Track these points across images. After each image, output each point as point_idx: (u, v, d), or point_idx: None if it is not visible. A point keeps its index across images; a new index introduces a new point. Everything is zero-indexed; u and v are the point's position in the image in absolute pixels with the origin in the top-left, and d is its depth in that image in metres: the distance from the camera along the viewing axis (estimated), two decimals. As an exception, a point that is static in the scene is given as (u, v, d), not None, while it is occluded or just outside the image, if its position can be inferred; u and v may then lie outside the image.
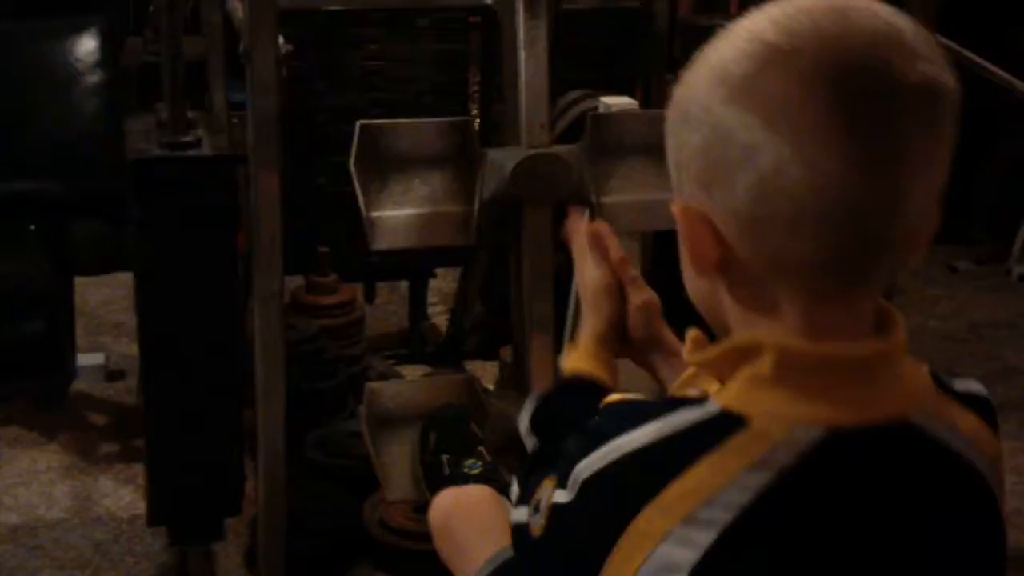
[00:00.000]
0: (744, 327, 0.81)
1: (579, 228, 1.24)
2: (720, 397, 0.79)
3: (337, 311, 2.57)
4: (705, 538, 0.75)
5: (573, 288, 2.32)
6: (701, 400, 0.80)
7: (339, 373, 2.46)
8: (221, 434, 2.06)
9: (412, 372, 2.82)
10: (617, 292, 1.17)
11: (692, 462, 0.77)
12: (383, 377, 2.55)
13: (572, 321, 2.36)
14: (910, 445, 0.79)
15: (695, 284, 0.84)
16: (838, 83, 0.73)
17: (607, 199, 1.80)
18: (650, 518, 0.77)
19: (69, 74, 2.51)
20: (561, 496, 0.84)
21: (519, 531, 0.92)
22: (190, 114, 2.02)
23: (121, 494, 2.58)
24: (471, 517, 1.27)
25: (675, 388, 0.97)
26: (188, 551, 2.27)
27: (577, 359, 1.13)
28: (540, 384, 1.76)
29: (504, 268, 1.85)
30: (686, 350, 0.86)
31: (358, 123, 1.71)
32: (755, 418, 0.77)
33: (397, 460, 1.81)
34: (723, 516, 0.75)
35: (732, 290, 0.81)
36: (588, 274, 1.19)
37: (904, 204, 0.75)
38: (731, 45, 0.76)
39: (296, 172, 2.20)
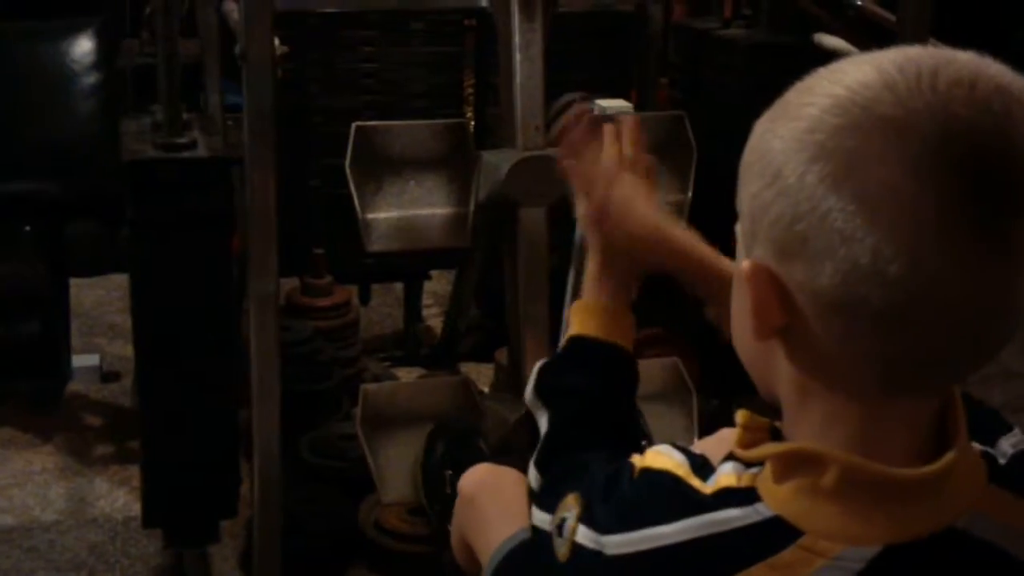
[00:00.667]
0: (797, 395, 0.75)
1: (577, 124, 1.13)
2: (773, 502, 0.73)
3: (332, 313, 2.57)
4: None
5: (569, 284, 2.32)
6: (749, 495, 0.74)
7: (334, 375, 2.46)
8: (216, 436, 2.06)
9: (407, 374, 2.82)
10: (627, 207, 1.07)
11: (739, 569, 0.72)
12: (378, 379, 2.55)
13: (572, 291, 2.35)
14: (958, 554, 0.74)
15: (749, 344, 0.77)
16: (960, 177, 0.64)
17: (602, 201, 1.81)
18: None
19: (65, 75, 2.51)
20: (586, 537, 0.81)
21: (542, 536, 0.90)
22: (185, 116, 2.02)
23: (116, 496, 2.58)
24: (499, 496, 1.26)
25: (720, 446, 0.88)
26: (184, 553, 2.27)
27: (585, 316, 1.06)
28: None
29: (499, 270, 1.86)
30: (736, 438, 0.78)
31: (354, 125, 1.72)
32: (810, 532, 0.72)
33: (392, 462, 1.82)
34: None
35: (793, 355, 0.74)
36: (592, 192, 1.09)
37: (1010, 311, 0.69)
38: (837, 109, 0.67)
39: (291, 174, 2.20)
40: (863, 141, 0.65)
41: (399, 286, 3.17)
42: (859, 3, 2.10)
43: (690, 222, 1.79)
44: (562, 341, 1.09)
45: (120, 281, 3.38)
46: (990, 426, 0.82)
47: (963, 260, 0.65)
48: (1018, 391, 3.29)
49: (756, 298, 0.72)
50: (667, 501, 0.77)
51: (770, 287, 0.71)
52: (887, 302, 0.66)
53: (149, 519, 2.13)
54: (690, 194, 1.81)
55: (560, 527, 0.85)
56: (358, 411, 1.83)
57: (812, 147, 0.67)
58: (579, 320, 1.07)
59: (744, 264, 0.73)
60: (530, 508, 0.95)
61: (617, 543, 0.78)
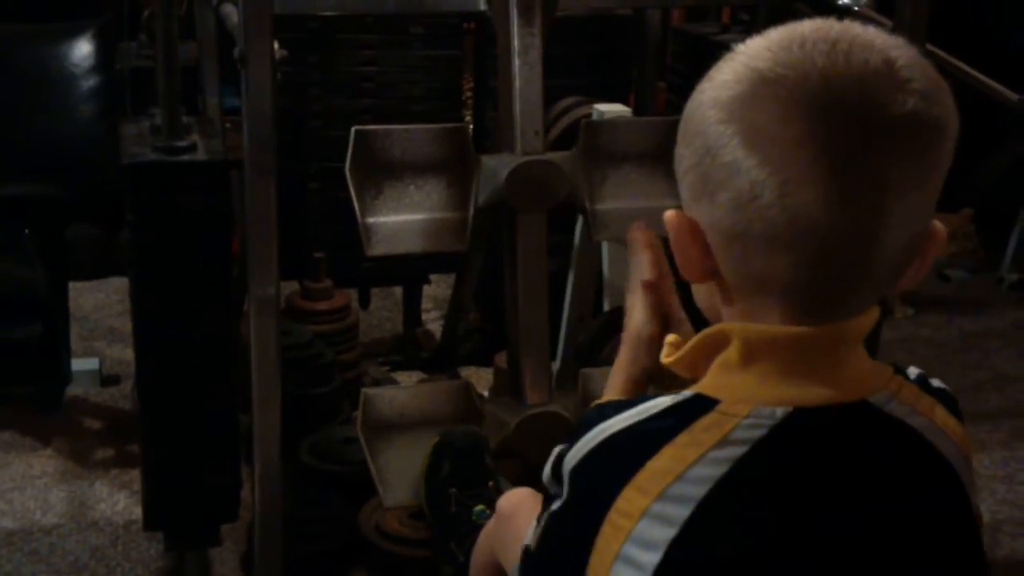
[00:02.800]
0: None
1: (645, 258, 1.08)
2: (694, 386, 0.84)
3: (331, 317, 2.57)
4: (680, 513, 0.79)
5: (569, 289, 2.32)
6: (679, 392, 0.84)
7: (334, 379, 2.47)
8: (217, 439, 2.06)
9: (407, 378, 2.82)
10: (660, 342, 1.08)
11: (666, 441, 0.81)
12: (378, 383, 2.55)
13: (570, 321, 2.37)
14: (870, 423, 0.83)
15: (695, 289, 0.89)
16: (817, 114, 0.75)
17: (600, 205, 1.81)
18: (629, 498, 0.81)
19: (64, 78, 2.51)
20: (555, 504, 0.88)
21: (524, 554, 0.94)
22: (184, 119, 2.02)
23: (117, 499, 2.58)
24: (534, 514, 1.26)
25: None
26: (184, 556, 2.27)
27: None
28: (533, 388, 1.77)
29: (498, 274, 1.86)
30: (664, 354, 0.91)
31: (353, 128, 1.72)
32: (725, 400, 0.81)
33: (393, 466, 1.82)
34: (696, 491, 0.79)
35: (723, 298, 0.85)
36: (639, 318, 1.08)
37: (883, 235, 0.77)
38: (730, 68, 0.79)
39: (290, 177, 2.20)
40: (746, 90, 0.78)
41: (398, 290, 3.17)
42: (856, 8, 2.11)
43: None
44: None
45: (120, 284, 3.39)
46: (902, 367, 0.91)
47: (826, 190, 0.75)
48: (1015, 396, 3.29)
49: (676, 243, 0.84)
50: (609, 408, 0.86)
51: (688, 232, 0.82)
52: (769, 228, 0.77)
53: (150, 522, 2.13)
54: (689, 198, 1.81)
55: (538, 520, 0.92)
56: (359, 415, 1.83)
57: (710, 100, 0.79)
58: None
59: (666, 215, 0.84)
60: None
61: (572, 455, 0.86)
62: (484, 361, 2.76)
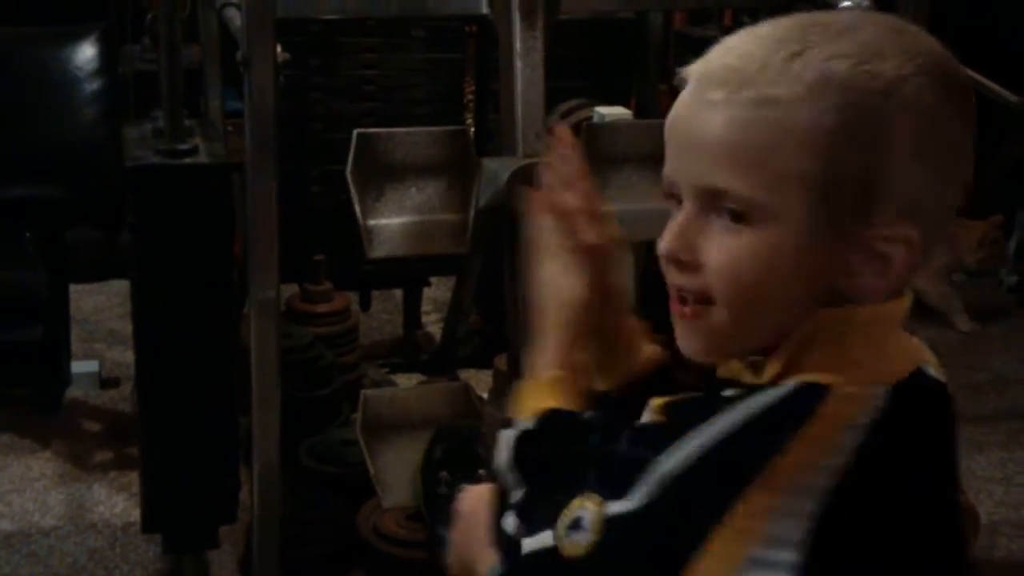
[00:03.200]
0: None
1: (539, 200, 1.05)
2: (789, 379, 0.81)
3: (332, 319, 2.57)
4: (811, 507, 0.77)
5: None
6: (761, 386, 0.81)
7: (334, 381, 2.47)
8: (216, 441, 2.06)
9: (407, 380, 2.82)
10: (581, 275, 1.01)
11: (790, 436, 0.77)
12: (378, 385, 2.55)
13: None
14: (929, 389, 0.85)
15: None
16: None
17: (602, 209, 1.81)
18: (752, 500, 0.77)
19: (67, 81, 2.52)
20: (620, 506, 0.81)
21: (536, 560, 0.87)
22: (187, 122, 2.03)
23: (115, 501, 2.58)
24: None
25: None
26: (183, 558, 2.27)
27: (556, 389, 0.98)
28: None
29: (498, 276, 1.86)
30: (747, 376, 0.85)
31: (355, 131, 1.72)
32: (833, 385, 0.79)
33: (392, 468, 1.82)
34: (827, 482, 0.77)
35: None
36: (570, 284, 1.02)
37: None
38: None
39: (292, 180, 2.21)
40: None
41: (399, 292, 3.17)
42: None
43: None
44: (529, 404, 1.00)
45: (120, 287, 3.39)
46: None
47: None
48: (1013, 398, 3.29)
49: None
50: (698, 411, 0.81)
51: None
52: None
53: (148, 524, 2.14)
54: (690, 201, 1.81)
55: (575, 524, 0.84)
56: (358, 417, 1.83)
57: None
58: (555, 394, 1.00)
59: None
60: (508, 551, 0.91)
61: (674, 463, 0.79)
62: (484, 363, 2.76)
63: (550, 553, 0.85)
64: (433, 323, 3.23)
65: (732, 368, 0.86)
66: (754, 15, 2.49)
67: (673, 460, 0.80)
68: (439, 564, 1.47)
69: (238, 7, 1.67)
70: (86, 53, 2.51)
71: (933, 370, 0.86)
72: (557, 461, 0.94)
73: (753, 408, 0.79)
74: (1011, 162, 3.80)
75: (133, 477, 2.49)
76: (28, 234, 2.59)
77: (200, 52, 2.32)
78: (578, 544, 0.83)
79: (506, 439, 0.97)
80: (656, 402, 0.86)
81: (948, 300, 3.61)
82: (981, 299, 3.78)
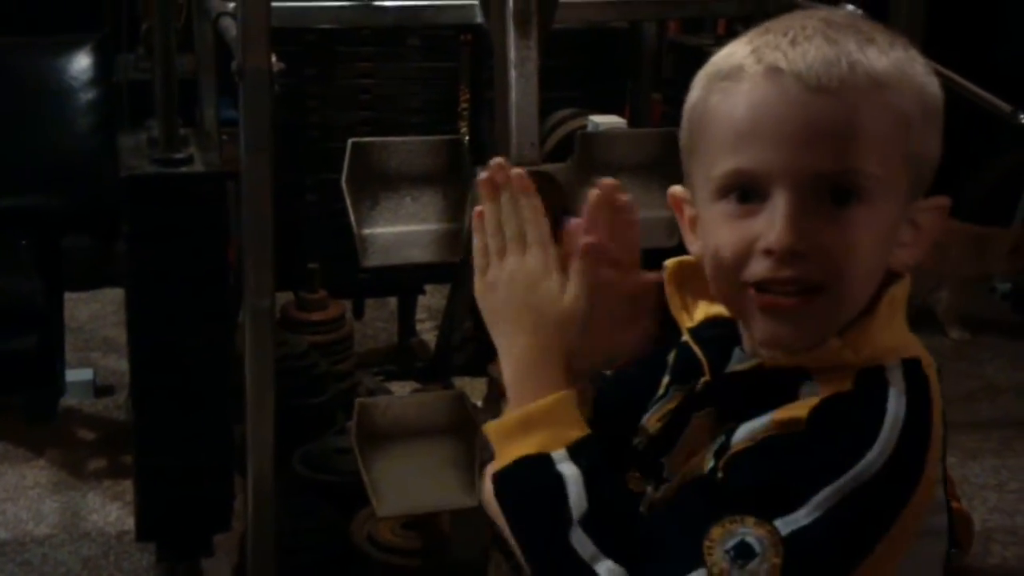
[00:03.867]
0: None
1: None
2: (885, 357, 0.85)
3: (326, 327, 2.57)
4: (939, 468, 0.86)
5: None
6: (868, 368, 0.85)
7: (328, 389, 2.47)
8: (210, 449, 2.06)
9: (401, 388, 2.82)
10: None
11: (928, 431, 0.84)
12: (372, 393, 2.55)
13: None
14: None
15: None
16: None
17: (596, 217, 1.82)
18: (929, 475, 0.83)
19: (62, 91, 2.52)
20: (792, 523, 0.77)
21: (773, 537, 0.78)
22: (182, 131, 2.03)
23: (109, 510, 2.58)
24: None
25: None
26: (177, 567, 2.27)
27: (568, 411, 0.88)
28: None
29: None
30: (847, 355, 0.86)
31: (350, 141, 1.73)
32: (921, 356, 0.87)
33: (387, 476, 1.82)
34: (937, 443, 0.85)
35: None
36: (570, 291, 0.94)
37: None
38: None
39: (287, 189, 2.21)
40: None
41: (393, 300, 3.17)
42: (851, 21, 2.12)
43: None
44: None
45: (114, 295, 3.39)
46: None
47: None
48: (1006, 406, 3.30)
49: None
50: (844, 416, 0.83)
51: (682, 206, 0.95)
52: None
53: (143, 533, 2.13)
54: (683, 210, 1.82)
55: (742, 553, 0.77)
56: (353, 425, 1.83)
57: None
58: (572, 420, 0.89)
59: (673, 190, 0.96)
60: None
61: (843, 475, 0.79)
62: (479, 371, 2.76)
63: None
64: (428, 331, 3.23)
65: (825, 352, 0.85)
66: (747, 23, 2.50)
67: (841, 470, 0.78)
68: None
69: (233, 17, 1.67)
70: (81, 63, 2.51)
71: None
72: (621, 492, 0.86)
73: (899, 391, 0.83)
74: (1004, 172, 3.82)
75: (127, 485, 2.49)
76: (23, 242, 2.59)
77: (195, 62, 2.32)
78: (758, 571, 0.76)
79: (574, 479, 0.84)
80: (782, 415, 0.82)
81: (953, 309, 3.62)
82: (973, 307, 3.79)
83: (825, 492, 0.78)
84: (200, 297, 1.96)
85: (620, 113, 2.45)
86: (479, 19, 1.84)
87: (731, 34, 2.54)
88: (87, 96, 2.50)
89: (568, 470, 0.85)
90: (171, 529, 2.12)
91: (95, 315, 3.48)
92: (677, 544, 0.79)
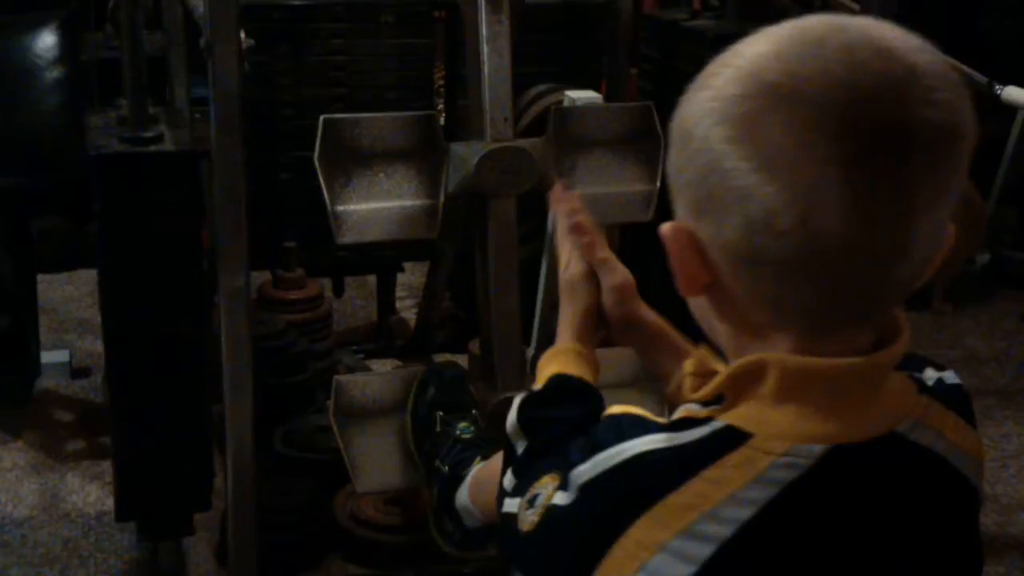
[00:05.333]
0: (735, 348, 0.81)
1: (562, 210, 1.17)
2: (725, 416, 0.79)
3: (304, 306, 2.56)
4: (703, 552, 0.75)
5: (542, 275, 2.34)
6: (706, 420, 0.79)
7: (308, 368, 2.46)
8: (189, 429, 2.05)
9: (381, 366, 2.82)
10: (594, 280, 1.12)
11: (693, 474, 0.76)
12: (352, 371, 2.55)
13: (543, 308, 2.38)
14: (900, 456, 0.80)
15: (692, 302, 0.84)
16: (844, 134, 0.70)
17: (571, 191, 1.82)
18: (646, 528, 0.76)
19: (29, 70, 2.49)
20: (561, 498, 0.84)
21: (507, 521, 0.91)
22: (152, 109, 2.01)
23: (89, 491, 2.57)
24: None
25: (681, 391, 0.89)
26: (158, 546, 2.26)
27: (564, 362, 1.07)
28: (506, 374, 1.77)
29: (471, 261, 1.86)
30: (687, 387, 0.84)
31: (322, 117, 1.72)
32: (759, 435, 0.76)
33: (366, 452, 1.82)
34: (723, 531, 0.75)
35: (721, 312, 0.81)
36: (568, 264, 1.13)
37: (910, 251, 0.73)
38: (735, 78, 0.73)
39: (260, 167, 2.19)
40: (755, 106, 0.72)
41: (372, 278, 3.16)
42: (825, -7, 2.12)
43: (658, 211, 1.82)
44: (539, 375, 1.09)
45: (89, 276, 3.37)
46: (917, 363, 0.88)
47: (850, 213, 0.71)
48: (986, 375, 3.33)
49: (676, 256, 0.79)
50: (630, 429, 0.81)
51: (688, 245, 0.78)
52: (783, 253, 0.73)
53: (122, 513, 2.13)
54: (659, 184, 1.82)
55: (532, 500, 0.87)
56: (331, 402, 1.83)
57: (715, 113, 0.74)
58: (561, 361, 1.08)
59: (664, 226, 0.79)
60: (499, 504, 0.95)
61: (584, 471, 0.81)
62: (459, 348, 2.76)
63: (512, 519, 0.89)
64: (407, 309, 3.23)
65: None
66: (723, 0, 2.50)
67: (586, 466, 0.81)
68: (429, 502, 1.51)
69: (202, -7, 1.66)
70: (47, 41, 2.48)
71: (911, 427, 0.80)
72: (558, 423, 0.96)
73: (674, 438, 0.79)
74: (981, 145, 3.82)
75: (106, 466, 2.48)
76: (-7, 224, 2.57)
77: (165, 39, 2.30)
78: (527, 520, 0.86)
79: (516, 401, 1.02)
80: (690, 366, 0.86)
81: (943, 282, 3.63)
82: (953, 277, 3.80)
83: (573, 481, 0.83)
84: (173, 277, 1.95)
85: (597, 88, 2.44)
86: (452, -6, 1.83)
87: (706, 10, 2.53)
88: (53, 75, 2.47)
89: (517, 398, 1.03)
90: (151, 509, 2.12)
91: (70, 297, 3.46)
92: (537, 471, 0.90)
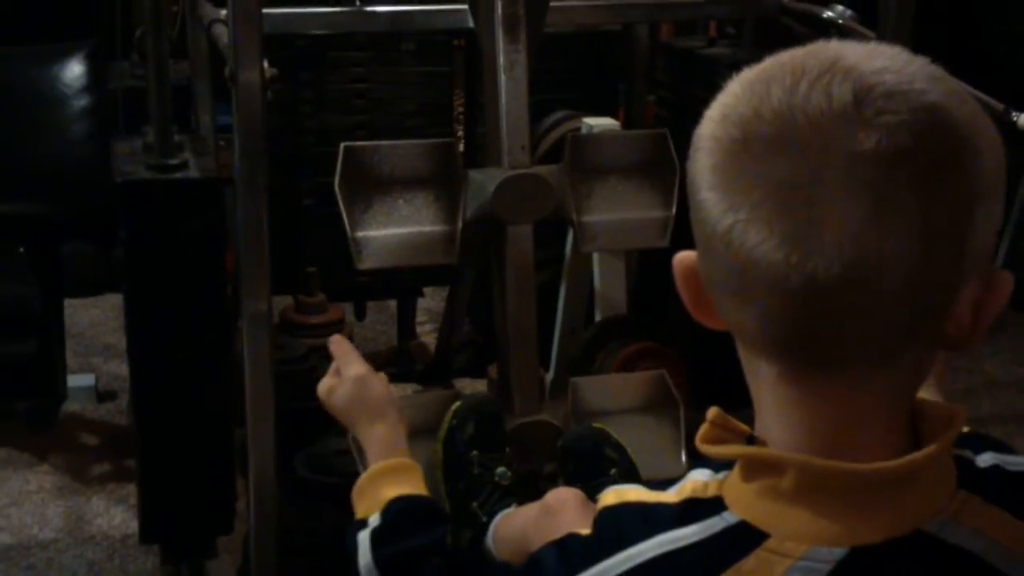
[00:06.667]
0: (751, 384, 0.78)
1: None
2: (739, 507, 0.76)
3: (326, 330, 2.58)
4: None
5: (560, 300, 2.36)
6: (715, 505, 0.76)
7: (329, 392, 2.48)
8: (211, 453, 2.08)
9: (402, 390, 2.84)
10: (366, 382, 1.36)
11: None
12: (372, 395, 2.56)
13: (562, 333, 2.40)
14: (926, 557, 0.75)
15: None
16: (766, 154, 0.70)
17: (587, 217, 1.84)
18: None
19: (57, 98, 2.53)
20: None
21: None
22: (177, 137, 2.05)
23: (113, 513, 2.60)
24: (575, 519, 1.23)
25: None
26: (181, 569, 2.29)
27: (394, 481, 1.14)
28: (524, 399, 1.79)
29: (489, 286, 1.88)
30: (701, 433, 0.80)
31: (342, 144, 1.74)
32: (775, 536, 0.73)
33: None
34: None
35: (738, 346, 0.78)
36: (332, 388, 1.32)
37: (871, 282, 0.68)
38: (720, 111, 0.74)
39: (284, 193, 2.22)
40: (716, 128, 0.73)
41: (393, 303, 3.19)
42: (840, 21, 2.13)
43: (674, 238, 1.83)
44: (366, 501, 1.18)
45: (116, 301, 3.40)
46: (978, 442, 0.83)
47: (775, 235, 0.69)
48: (1006, 401, 3.31)
49: (682, 287, 0.79)
50: (636, 524, 0.78)
51: (693, 278, 0.77)
52: (722, 275, 0.72)
53: (146, 535, 2.15)
54: (674, 211, 1.83)
55: None
56: (350, 427, 1.85)
57: (705, 150, 0.74)
58: (392, 482, 1.15)
59: (675, 257, 0.79)
60: None
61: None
62: (478, 373, 2.78)
63: None
64: (427, 333, 3.25)
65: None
66: (738, 26, 2.52)
67: (590, 573, 0.77)
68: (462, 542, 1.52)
69: (226, 23, 1.69)
70: (75, 70, 2.52)
71: (941, 526, 0.75)
72: (414, 556, 0.99)
73: (687, 536, 0.75)
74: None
75: (131, 489, 2.51)
76: (21, 249, 2.61)
77: (191, 68, 2.34)
78: None
79: (363, 542, 1.04)
80: (712, 414, 0.80)
81: None
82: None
83: None
84: (197, 302, 1.98)
85: (614, 115, 2.47)
86: (471, 24, 1.86)
87: (723, 36, 2.56)
88: (80, 103, 2.51)
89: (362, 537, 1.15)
90: (175, 531, 2.14)
91: (96, 321, 3.50)
92: None
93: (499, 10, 1.74)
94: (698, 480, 0.79)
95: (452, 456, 1.67)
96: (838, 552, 0.73)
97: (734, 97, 0.73)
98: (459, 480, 1.63)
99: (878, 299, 0.69)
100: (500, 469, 1.59)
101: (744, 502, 0.76)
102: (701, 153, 0.74)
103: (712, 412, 0.80)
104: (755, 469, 0.75)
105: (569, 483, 1.59)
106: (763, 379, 0.76)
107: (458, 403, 1.71)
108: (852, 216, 0.68)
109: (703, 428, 0.80)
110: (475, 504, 1.56)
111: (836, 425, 0.74)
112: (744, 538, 0.74)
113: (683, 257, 0.79)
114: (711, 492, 0.78)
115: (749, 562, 0.73)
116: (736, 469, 0.77)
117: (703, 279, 0.76)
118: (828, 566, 0.72)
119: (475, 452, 1.62)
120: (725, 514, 0.75)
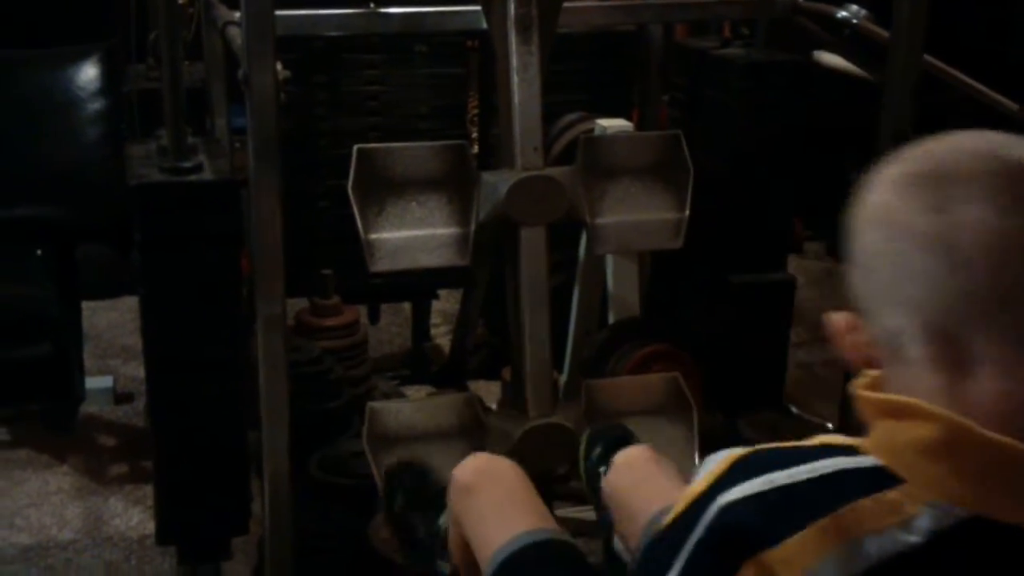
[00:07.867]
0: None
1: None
2: (877, 453, 0.81)
3: (340, 333, 2.59)
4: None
5: (574, 302, 2.36)
6: (850, 450, 0.82)
7: (343, 394, 2.49)
8: (227, 454, 2.08)
9: (416, 392, 2.84)
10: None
11: (846, 502, 0.78)
12: (387, 397, 2.57)
13: (575, 335, 2.40)
14: None
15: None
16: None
17: (600, 219, 1.84)
18: (790, 551, 0.78)
19: (72, 101, 2.54)
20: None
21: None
22: (191, 139, 2.05)
23: (131, 514, 2.61)
24: (498, 487, 1.31)
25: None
26: (197, 570, 2.29)
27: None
28: (537, 400, 1.79)
29: (503, 287, 1.88)
30: (863, 383, 0.86)
31: (355, 147, 1.75)
32: (911, 481, 0.79)
33: (399, 478, 1.84)
34: (861, 564, 0.77)
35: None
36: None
37: None
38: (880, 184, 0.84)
39: (298, 195, 2.23)
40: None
41: (407, 305, 3.19)
42: (855, 21, 2.13)
43: (686, 239, 1.83)
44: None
45: (134, 304, 3.40)
46: None
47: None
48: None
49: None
50: (779, 458, 0.83)
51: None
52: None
53: (163, 536, 2.16)
54: (687, 212, 1.83)
55: None
56: (365, 428, 1.85)
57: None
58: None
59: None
60: None
61: (735, 492, 0.82)
62: (493, 375, 2.78)
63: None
64: (442, 335, 3.25)
65: None
66: (752, 26, 2.52)
67: (736, 489, 0.82)
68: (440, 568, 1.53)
69: (239, 26, 1.70)
70: (89, 73, 2.53)
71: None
72: None
73: (824, 467, 0.81)
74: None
75: (148, 490, 2.52)
76: (38, 252, 2.62)
77: (205, 70, 2.35)
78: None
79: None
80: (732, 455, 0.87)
81: None
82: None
83: (714, 507, 0.83)
84: (214, 304, 1.98)
85: (628, 116, 2.47)
86: (484, 25, 1.86)
87: (736, 36, 2.56)
88: (95, 106, 2.52)
89: None
90: (191, 533, 2.15)
91: (114, 323, 3.51)
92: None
93: (512, 11, 1.75)
94: (830, 436, 0.85)
95: (399, 527, 1.72)
96: (961, 512, 0.77)
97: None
98: (410, 545, 1.69)
99: None
100: (441, 520, 1.57)
101: (883, 451, 0.81)
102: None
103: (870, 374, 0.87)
104: (901, 418, 0.80)
105: (592, 469, 1.61)
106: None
107: (383, 480, 1.78)
108: None
109: (867, 378, 0.86)
110: (439, 561, 1.58)
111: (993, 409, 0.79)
112: (883, 477, 0.79)
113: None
114: (846, 443, 0.83)
115: (888, 496, 0.78)
116: (872, 435, 0.83)
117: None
118: (952, 520, 0.77)
119: (602, 468, 1.58)
120: (861, 458, 0.81)
